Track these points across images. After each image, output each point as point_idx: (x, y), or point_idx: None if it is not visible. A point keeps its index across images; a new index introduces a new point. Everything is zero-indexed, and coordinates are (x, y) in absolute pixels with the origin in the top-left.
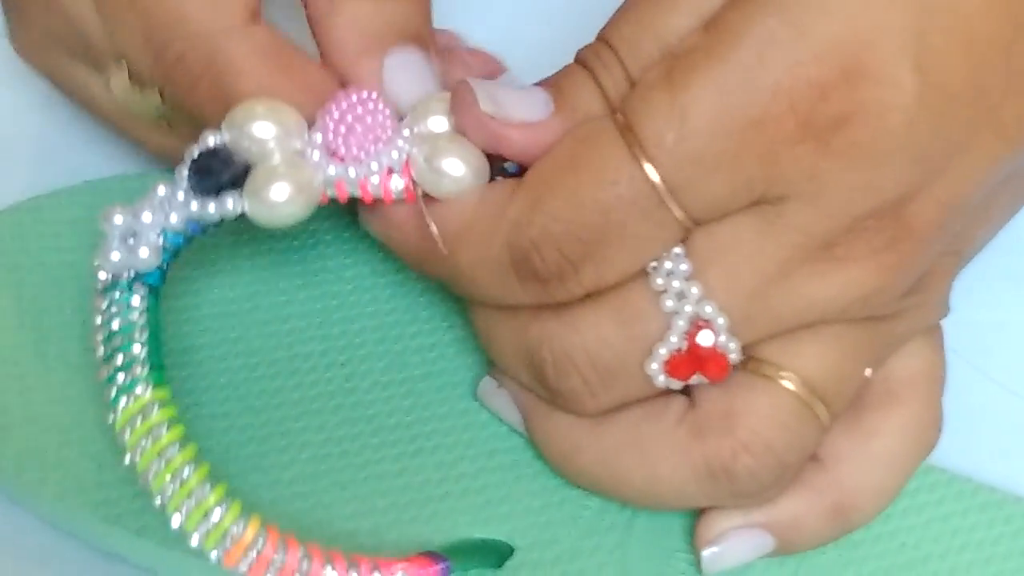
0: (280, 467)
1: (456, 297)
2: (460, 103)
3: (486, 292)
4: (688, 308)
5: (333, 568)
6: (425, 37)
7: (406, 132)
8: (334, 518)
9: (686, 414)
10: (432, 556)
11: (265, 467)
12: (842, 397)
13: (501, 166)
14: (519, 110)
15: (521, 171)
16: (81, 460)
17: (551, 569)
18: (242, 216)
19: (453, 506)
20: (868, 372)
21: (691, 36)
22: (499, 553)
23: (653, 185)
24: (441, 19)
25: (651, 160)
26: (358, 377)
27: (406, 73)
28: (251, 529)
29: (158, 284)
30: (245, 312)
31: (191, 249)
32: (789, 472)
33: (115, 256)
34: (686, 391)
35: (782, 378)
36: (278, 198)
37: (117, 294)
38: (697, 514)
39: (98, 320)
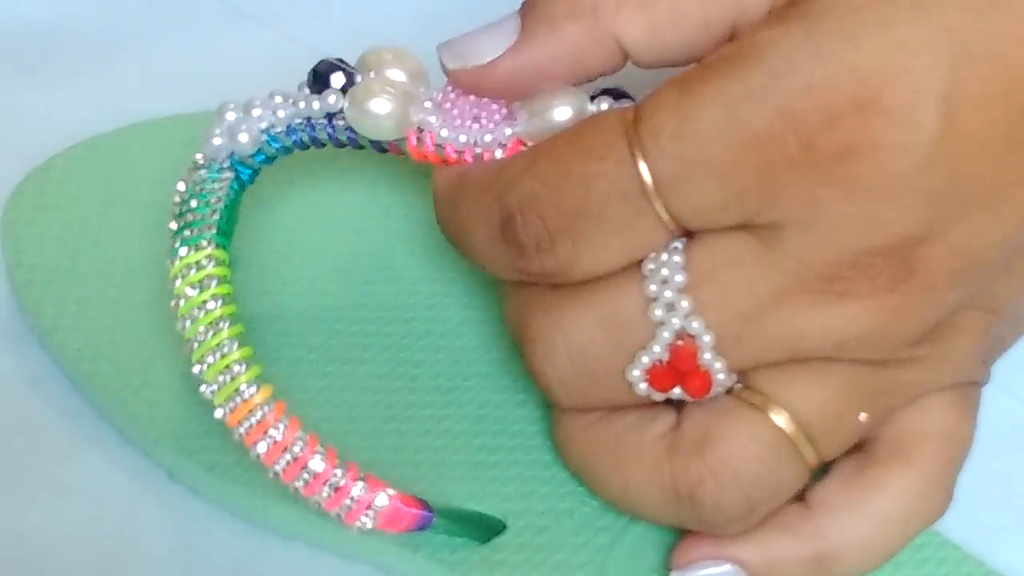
0: (311, 400)
1: None
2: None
3: (477, 252)
4: (675, 321)
5: (323, 460)
6: None
7: (512, 129)
8: (345, 455)
9: (669, 431)
10: (420, 502)
11: (298, 395)
12: (833, 440)
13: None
14: (481, 51)
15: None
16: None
17: (532, 555)
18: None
19: (463, 475)
20: (863, 417)
21: (721, 47)
22: (489, 528)
23: (638, 172)
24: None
25: (643, 150)
26: (414, 336)
27: None
28: (260, 395)
29: (247, 180)
30: (328, 244)
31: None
32: (760, 507)
33: (216, 141)
34: (679, 408)
35: (772, 411)
36: (376, 109)
37: (205, 171)
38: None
39: (181, 187)
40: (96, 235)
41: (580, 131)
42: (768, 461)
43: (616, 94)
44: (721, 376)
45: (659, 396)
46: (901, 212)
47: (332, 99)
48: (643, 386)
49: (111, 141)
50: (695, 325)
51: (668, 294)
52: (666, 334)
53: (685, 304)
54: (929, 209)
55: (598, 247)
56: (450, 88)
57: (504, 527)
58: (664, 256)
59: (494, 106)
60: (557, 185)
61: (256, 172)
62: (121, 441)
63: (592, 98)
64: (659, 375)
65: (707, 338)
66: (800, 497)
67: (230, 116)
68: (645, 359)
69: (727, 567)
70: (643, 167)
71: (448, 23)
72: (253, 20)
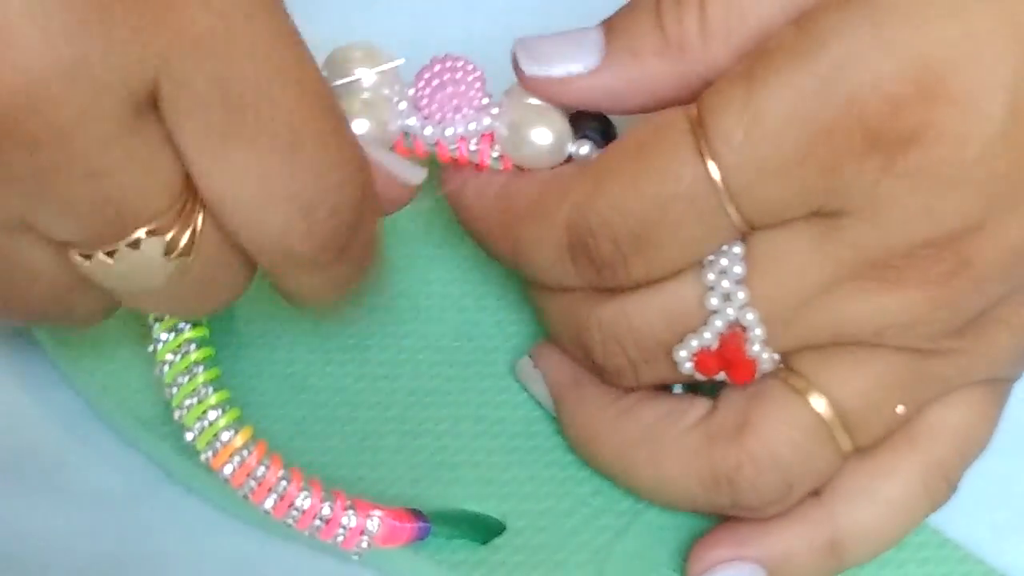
0: (311, 401)
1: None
2: (513, 66)
3: (543, 272)
4: (730, 311)
5: (309, 494)
6: None
7: (495, 111)
8: (345, 463)
9: (705, 418)
10: (414, 513)
11: (298, 395)
12: (869, 428)
13: (587, 129)
14: (563, 63)
15: (606, 133)
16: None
17: (532, 555)
18: None
19: (460, 476)
20: (901, 409)
21: (781, 32)
22: (488, 529)
23: (714, 185)
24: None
25: (715, 158)
26: (414, 336)
27: None
28: (241, 437)
29: None
30: None
31: None
32: (795, 492)
33: None
34: (713, 395)
35: (811, 395)
36: (355, 131)
37: None
38: (697, 530)
39: None
40: None
41: (647, 147)
42: (805, 446)
43: (599, 125)
44: (767, 366)
45: (702, 378)
46: (961, 202)
47: None
48: (688, 366)
49: None
50: (749, 317)
51: (725, 284)
52: (719, 323)
53: (741, 295)
54: (988, 200)
55: (670, 258)
56: (421, 83)
57: (503, 527)
58: (724, 248)
59: (471, 93)
60: (630, 209)
61: None
62: (120, 441)
63: (577, 131)
64: (705, 360)
65: (758, 331)
66: None
67: None
68: (694, 343)
69: (745, 567)
70: (716, 175)
71: (450, 22)
72: None
